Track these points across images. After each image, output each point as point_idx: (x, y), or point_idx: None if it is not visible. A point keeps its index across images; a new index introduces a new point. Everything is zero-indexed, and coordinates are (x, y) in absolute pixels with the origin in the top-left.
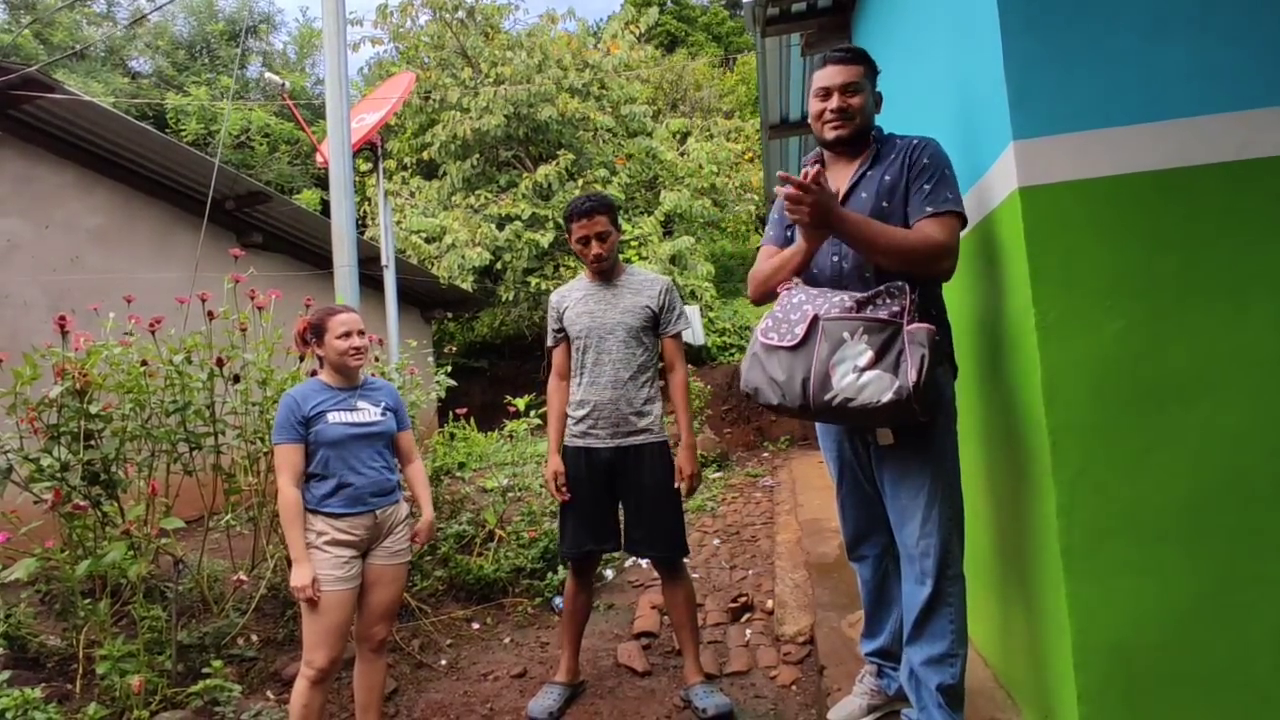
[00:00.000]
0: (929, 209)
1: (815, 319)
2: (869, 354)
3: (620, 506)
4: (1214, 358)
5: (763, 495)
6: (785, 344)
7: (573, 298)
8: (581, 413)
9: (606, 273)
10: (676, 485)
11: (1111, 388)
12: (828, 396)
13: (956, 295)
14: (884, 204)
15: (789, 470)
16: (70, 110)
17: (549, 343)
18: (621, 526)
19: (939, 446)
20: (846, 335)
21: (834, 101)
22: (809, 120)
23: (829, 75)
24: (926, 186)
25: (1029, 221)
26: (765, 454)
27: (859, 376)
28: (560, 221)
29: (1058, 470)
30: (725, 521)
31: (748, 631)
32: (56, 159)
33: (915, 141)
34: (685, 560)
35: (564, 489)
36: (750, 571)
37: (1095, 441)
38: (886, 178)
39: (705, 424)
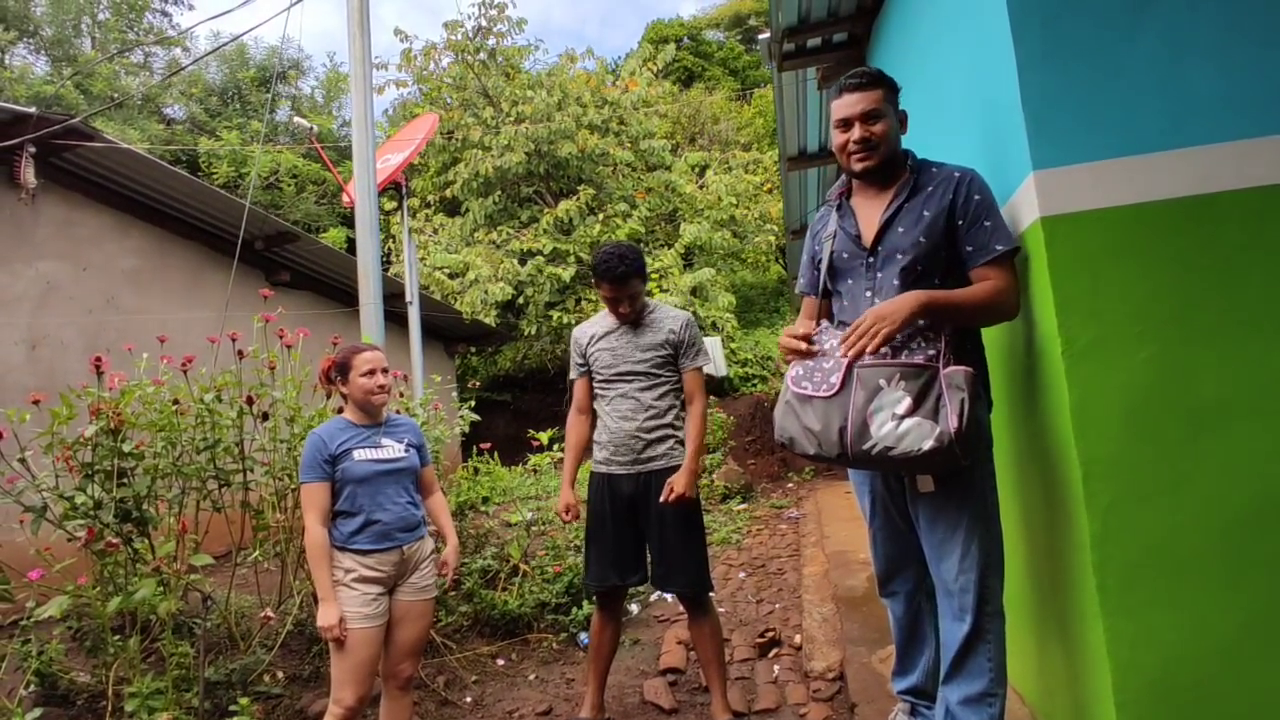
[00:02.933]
0: (1000, 247)
1: (850, 366)
2: (907, 401)
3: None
4: (1247, 384)
5: (788, 527)
6: (821, 394)
7: (597, 334)
8: (605, 438)
9: (633, 321)
10: (664, 498)
11: (1143, 416)
12: (866, 445)
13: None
14: (922, 239)
15: (814, 501)
16: (108, 157)
17: (571, 375)
18: (647, 561)
19: (976, 480)
20: (883, 382)
21: (856, 132)
22: (833, 151)
23: (848, 104)
24: (988, 224)
25: (1052, 250)
26: (790, 485)
27: (898, 425)
28: (580, 255)
29: (1090, 501)
30: (751, 554)
31: (776, 667)
32: (94, 204)
33: (958, 175)
34: (710, 594)
35: (576, 519)
36: (777, 605)
37: (1128, 471)
38: (926, 212)
39: (729, 455)
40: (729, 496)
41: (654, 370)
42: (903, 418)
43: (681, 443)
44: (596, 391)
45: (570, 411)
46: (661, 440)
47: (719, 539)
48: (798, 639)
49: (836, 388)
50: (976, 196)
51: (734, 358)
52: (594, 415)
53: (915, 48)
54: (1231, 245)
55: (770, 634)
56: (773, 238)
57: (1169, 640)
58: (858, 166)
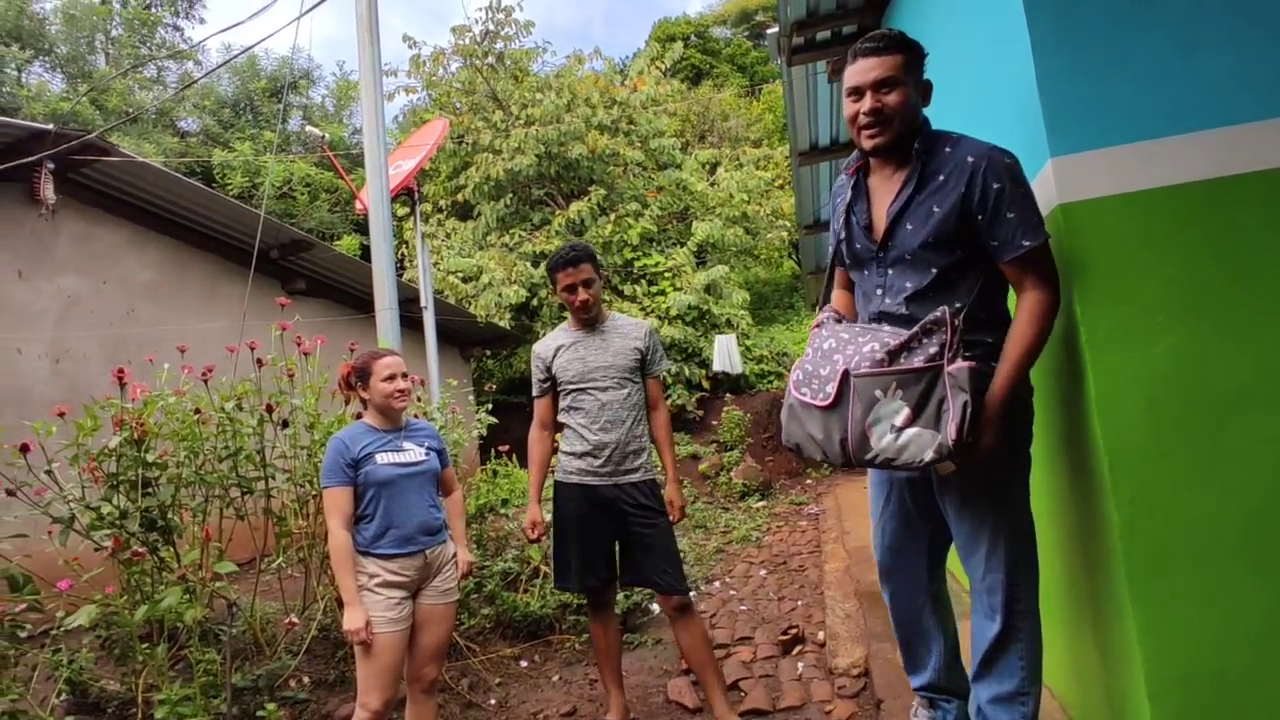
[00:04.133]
0: (1026, 243)
1: (846, 375)
2: (905, 411)
3: (618, 544)
4: (1269, 371)
5: (808, 523)
6: (818, 403)
7: (563, 344)
8: (583, 449)
9: (592, 320)
10: (670, 517)
11: (1167, 404)
12: (869, 456)
13: None
14: (931, 239)
15: (834, 496)
16: (125, 171)
17: (534, 392)
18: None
19: (1006, 472)
20: (879, 393)
21: (867, 102)
22: (847, 125)
23: (860, 71)
24: (1011, 215)
25: (1071, 237)
26: (809, 481)
27: (897, 436)
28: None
29: (1116, 491)
30: (771, 551)
31: (800, 665)
32: (112, 218)
33: (972, 162)
34: (695, 594)
35: (540, 537)
36: (799, 602)
37: (1153, 461)
38: (936, 209)
39: (746, 452)
40: (747, 494)
41: (626, 377)
42: (901, 429)
43: (651, 455)
44: (566, 404)
45: (532, 427)
46: (637, 454)
47: (739, 537)
48: (821, 635)
49: (832, 398)
50: (995, 185)
51: (749, 354)
52: (555, 430)
53: (926, 38)
54: (1250, 228)
55: (793, 631)
56: (785, 234)
57: (1200, 629)
58: (867, 144)
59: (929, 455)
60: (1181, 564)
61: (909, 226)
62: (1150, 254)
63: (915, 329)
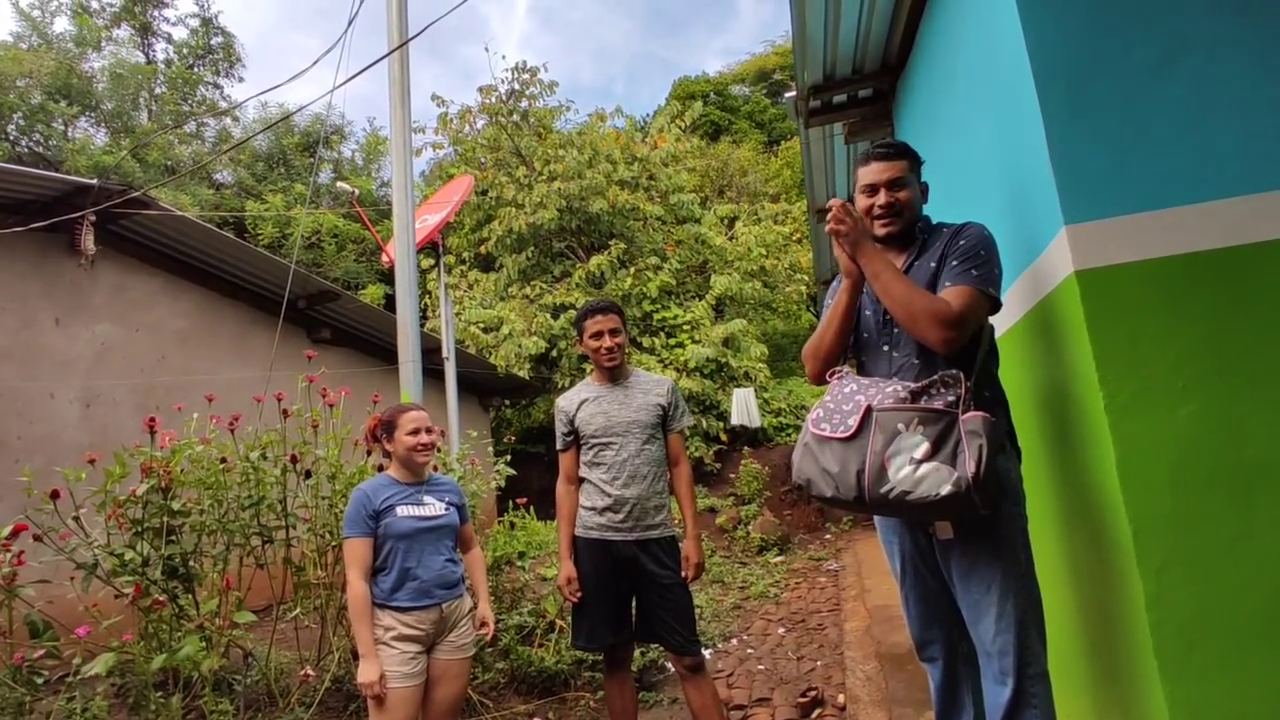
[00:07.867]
0: (947, 283)
1: (869, 410)
2: (925, 445)
3: (634, 600)
4: None
5: (828, 580)
6: (838, 435)
7: (587, 398)
8: (603, 504)
9: (617, 372)
10: (684, 574)
11: (1193, 471)
12: (884, 489)
13: (1016, 379)
14: (929, 289)
15: (854, 553)
16: (162, 223)
17: (559, 446)
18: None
19: (1007, 535)
20: (902, 426)
21: (881, 198)
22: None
23: (874, 172)
24: (954, 262)
25: (1089, 304)
26: (828, 535)
27: (916, 469)
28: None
29: (1142, 560)
30: (790, 609)
31: None
32: (148, 268)
33: (958, 227)
34: (707, 653)
35: (577, 594)
36: (819, 662)
37: (1181, 528)
38: (931, 264)
39: (765, 506)
40: (765, 548)
41: (649, 432)
42: (920, 462)
43: (670, 511)
44: (588, 459)
45: (559, 483)
46: (659, 509)
47: (756, 593)
48: (841, 699)
49: (854, 430)
50: (962, 241)
51: (767, 407)
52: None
53: (940, 103)
54: (1271, 296)
55: (813, 693)
56: (804, 287)
57: (1233, 704)
58: (881, 231)
59: (946, 489)
60: (1213, 636)
61: None
62: (1171, 319)
63: (935, 376)
